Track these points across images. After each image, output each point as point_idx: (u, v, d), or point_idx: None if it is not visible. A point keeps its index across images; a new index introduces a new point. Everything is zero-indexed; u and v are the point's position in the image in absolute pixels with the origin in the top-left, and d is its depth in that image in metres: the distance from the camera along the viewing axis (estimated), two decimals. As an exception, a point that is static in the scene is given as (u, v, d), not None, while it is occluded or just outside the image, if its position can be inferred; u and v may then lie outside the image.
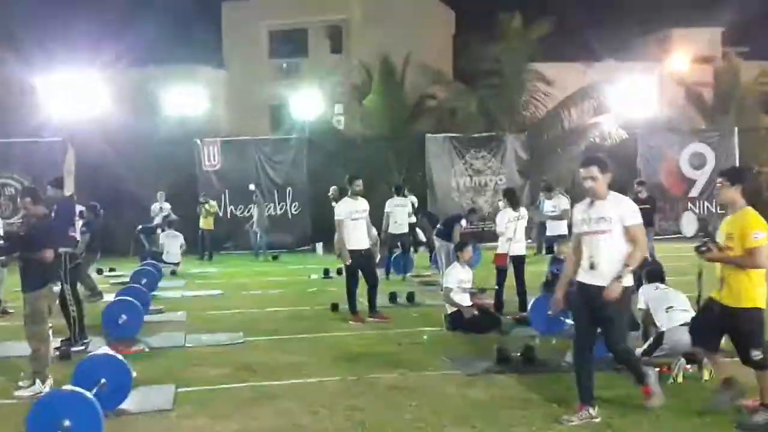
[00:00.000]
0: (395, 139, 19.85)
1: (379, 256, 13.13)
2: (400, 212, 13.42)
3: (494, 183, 20.46)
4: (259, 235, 17.81)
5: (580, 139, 20.09)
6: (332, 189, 15.50)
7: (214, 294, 12.17)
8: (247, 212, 19.41)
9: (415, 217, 14.92)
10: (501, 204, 10.27)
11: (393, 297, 10.72)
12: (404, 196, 14.15)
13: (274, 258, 17.68)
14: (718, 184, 5.27)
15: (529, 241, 10.81)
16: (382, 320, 9.24)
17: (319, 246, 18.95)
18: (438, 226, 12.89)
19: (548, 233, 15.34)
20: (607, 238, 5.08)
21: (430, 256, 15.28)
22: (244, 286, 13.13)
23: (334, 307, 10.05)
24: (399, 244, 13.64)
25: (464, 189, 20.22)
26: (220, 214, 19.19)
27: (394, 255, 13.91)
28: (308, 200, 19.97)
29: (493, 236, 10.34)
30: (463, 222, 12.38)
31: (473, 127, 20.41)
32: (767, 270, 5.13)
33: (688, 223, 7.33)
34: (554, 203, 13.94)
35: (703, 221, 14.22)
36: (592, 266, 5.12)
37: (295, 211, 20.07)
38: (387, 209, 13.30)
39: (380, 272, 11.92)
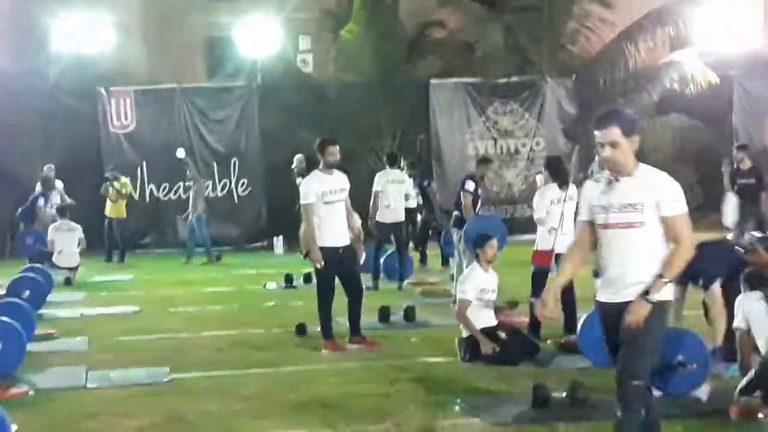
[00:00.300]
0: (386, 86, 19.86)
1: (364, 255, 13.18)
2: (395, 192, 13.42)
3: (529, 149, 20.48)
4: (194, 226, 17.76)
5: (651, 85, 20.20)
6: (296, 159, 15.45)
7: (127, 311, 12.19)
8: (174, 193, 19.35)
9: (417, 194, 14.86)
10: (540, 179, 10.28)
11: (385, 314, 10.74)
12: (401, 168, 14.13)
13: (217, 259, 17.71)
14: None
15: (580, 232, 10.75)
16: (369, 348, 9.26)
17: (279, 242, 18.95)
18: (455, 212, 12.92)
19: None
20: (636, 235, 4.94)
21: (421, 253, 15.27)
22: (170, 299, 13.14)
23: (301, 329, 10.07)
24: (393, 237, 13.65)
25: (486, 157, 20.23)
26: (136, 197, 19.16)
27: (386, 254, 13.93)
28: (262, 176, 19.94)
29: (529, 225, 10.34)
30: (470, 184, 12.34)
31: (498, 68, 20.44)
32: None
33: (728, 209, 7.37)
34: (614, 176, 13.92)
35: (751, 207, 14.08)
36: (611, 277, 5.03)
37: (244, 191, 20.04)
38: (376, 187, 13.31)
39: (366, 278, 11.94)
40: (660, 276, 4.87)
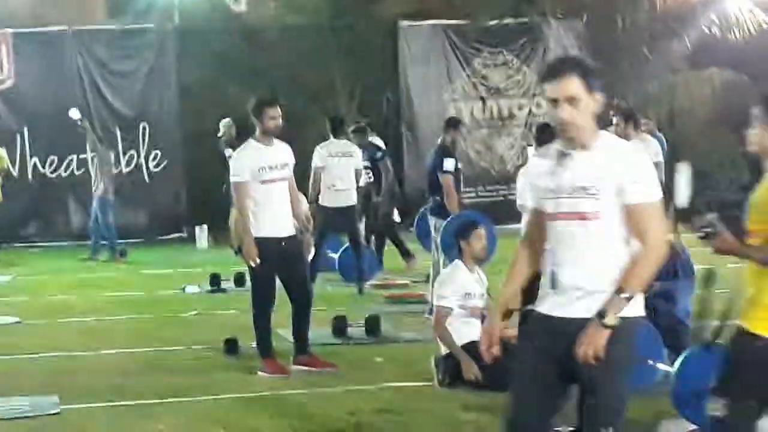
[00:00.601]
0: (342, 30, 19.89)
1: (313, 250, 13.24)
2: (342, 168, 13.45)
3: (527, 112, 20.54)
4: (97, 212, 17.59)
5: (685, 29, 20.26)
6: (224, 125, 15.47)
7: (4, 323, 12.14)
8: (66, 169, 19.29)
9: (371, 169, 14.87)
10: (532, 152, 10.31)
11: (340, 326, 10.78)
12: (348, 138, 14.17)
13: (122, 255, 17.68)
14: (755, 123, 5.24)
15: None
16: (321, 369, 9.31)
17: (202, 232, 18.94)
18: (434, 198, 13.00)
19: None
20: (591, 229, 4.80)
21: (377, 248, 15.31)
22: (61, 307, 13.12)
23: (231, 345, 10.10)
24: (346, 228, 13.78)
25: (472, 124, 20.30)
26: (14, 173, 19.08)
27: (342, 249, 14.08)
28: (180, 146, 19.90)
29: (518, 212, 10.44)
30: (449, 162, 12.36)
31: (488, 7, 20.44)
32: None
33: (681, 184, 7.48)
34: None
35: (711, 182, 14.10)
36: (561, 284, 4.88)
37: (156, 166, 19.97)
38: (316, 162, 13.33)
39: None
40: (619, 290, 4.68)
